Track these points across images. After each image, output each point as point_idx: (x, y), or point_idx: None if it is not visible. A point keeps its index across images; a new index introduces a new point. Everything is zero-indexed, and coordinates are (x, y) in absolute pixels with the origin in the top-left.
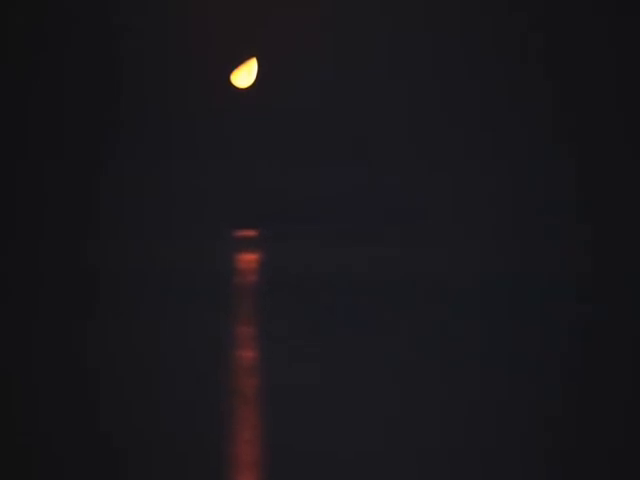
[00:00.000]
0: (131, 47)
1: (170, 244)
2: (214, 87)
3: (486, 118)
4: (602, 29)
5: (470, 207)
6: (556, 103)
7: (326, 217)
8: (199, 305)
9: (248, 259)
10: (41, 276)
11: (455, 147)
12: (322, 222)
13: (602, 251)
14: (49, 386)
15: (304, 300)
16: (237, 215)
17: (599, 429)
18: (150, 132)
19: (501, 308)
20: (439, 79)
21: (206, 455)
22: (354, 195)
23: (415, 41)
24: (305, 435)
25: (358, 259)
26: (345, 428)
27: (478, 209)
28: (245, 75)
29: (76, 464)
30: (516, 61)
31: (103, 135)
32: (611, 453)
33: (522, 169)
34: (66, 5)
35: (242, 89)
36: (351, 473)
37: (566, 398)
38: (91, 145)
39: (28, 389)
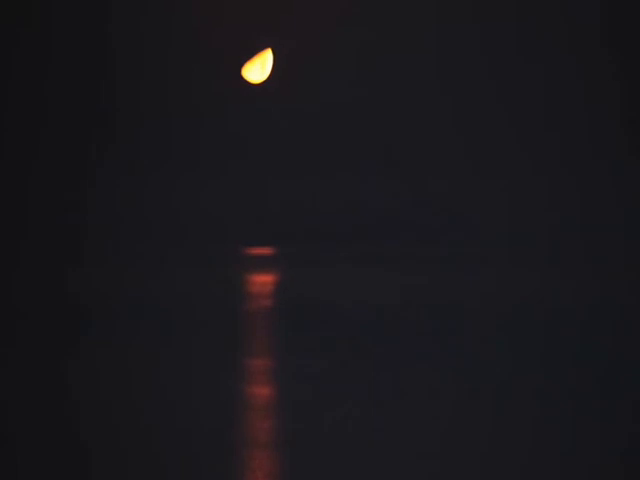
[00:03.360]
0: (131, 46)
1: (175, 265)
2: (222, 88)
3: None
4: None
5: (515, 222)
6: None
7: (350, 233)
8: (205, 334)
9: (260, 281)
10: (26, 309)
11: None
12: (345, 239)
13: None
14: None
15: (322, 328)
16: (249, 231)
17: None
18: (151, 139)
19: (526, 332)
20: (484, 78)
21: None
22: (382, 208)
23: (457, 33)
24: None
25: (383, 281)
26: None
27: (521, 223)
28: (259, 68)
29: None
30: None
31: (102, 147)
32: None
33: (582, 177)
34: (65, 4)
35: (254, 84)
36: None
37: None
38: (88, 156)
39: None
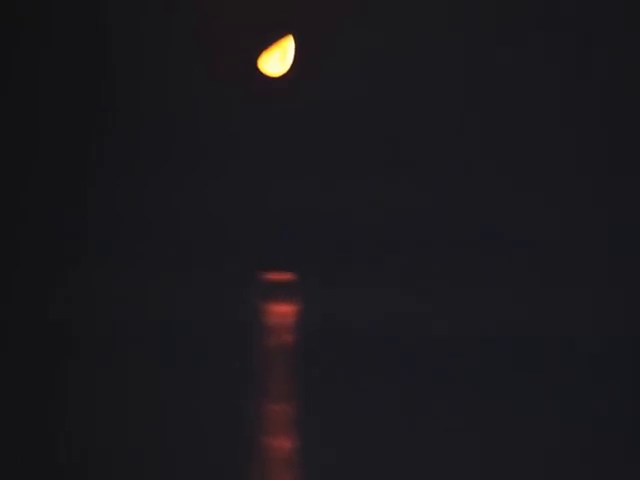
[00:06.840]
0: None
1: (180, 291)
2: (223, 88)
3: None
4: None
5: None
6: None
7: (376, 248)
8: (217, 372)
9: (279, 309)
10: (23, 310)
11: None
12: (371, 256)
13: None
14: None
15: (350, 364)
16: (252, 233)
17: None
18: (151, 139)
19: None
20: (505, 74)
21: None
22: (398, 215)
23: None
24: None
25: (416, 305)
26: None
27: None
28: (279, 59)
29: None
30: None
31: (102, 147)
32: None
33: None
34: (64, 3)
35: (273, 77)
36: None
37: None
38: (88, 156)
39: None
